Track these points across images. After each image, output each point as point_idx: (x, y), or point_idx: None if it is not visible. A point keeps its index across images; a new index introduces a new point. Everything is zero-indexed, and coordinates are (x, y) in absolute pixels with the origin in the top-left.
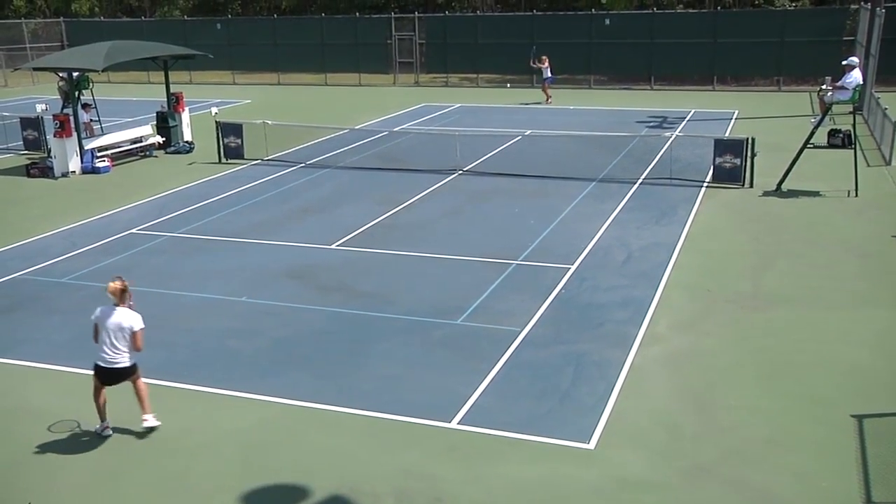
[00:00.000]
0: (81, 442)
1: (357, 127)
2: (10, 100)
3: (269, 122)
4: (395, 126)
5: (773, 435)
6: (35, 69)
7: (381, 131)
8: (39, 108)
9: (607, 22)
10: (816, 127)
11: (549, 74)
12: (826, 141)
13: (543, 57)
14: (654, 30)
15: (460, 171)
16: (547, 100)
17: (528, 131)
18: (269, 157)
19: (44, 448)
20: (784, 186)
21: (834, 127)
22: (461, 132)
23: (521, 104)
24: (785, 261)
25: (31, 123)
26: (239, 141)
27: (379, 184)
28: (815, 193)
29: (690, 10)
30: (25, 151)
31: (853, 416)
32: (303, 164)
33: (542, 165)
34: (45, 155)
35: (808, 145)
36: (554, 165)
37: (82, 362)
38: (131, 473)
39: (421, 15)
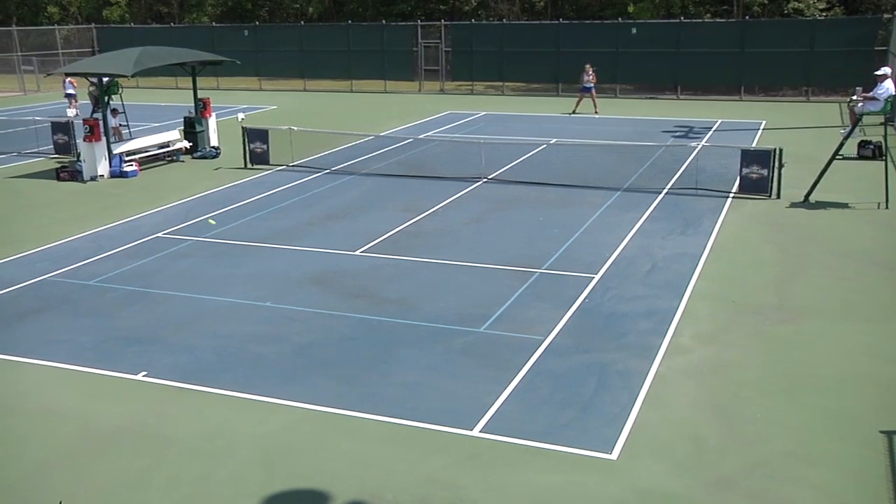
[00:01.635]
0: (106, 445)
1: (382, 134)
2: (43, 104)
3: (295, 128)
4: (420, 133)
5: (799, 449)
6: (67, 74)
7: (406, 138)
8: (70, 112)
9: (634, 31)
10: (846, 138)
11: (587, 83)
12: (856, 152)
13: (588, 66)
14: (681, 39)
15: (485, 179)
16: (595, 110)
17: (553, 140)
18: (295, 163)
19: (70, 450)
20: (812, 198)
21: (864, 138)
22: (486, 140)
23: (563, 114)
24: (812, 273)
25: (62, 128)
26: (265, 146)
27: (403, 191)
28: (844, 205)
29: (718, 20)
30: (56, 155)
31: (882, 432)
32: (328, 171)
33: (567, 174)
34: (75, 159)
35: (838, 156)
36: (579, 174)
37: (109, 364)
38: (154, 477)
39: (447, 23)
